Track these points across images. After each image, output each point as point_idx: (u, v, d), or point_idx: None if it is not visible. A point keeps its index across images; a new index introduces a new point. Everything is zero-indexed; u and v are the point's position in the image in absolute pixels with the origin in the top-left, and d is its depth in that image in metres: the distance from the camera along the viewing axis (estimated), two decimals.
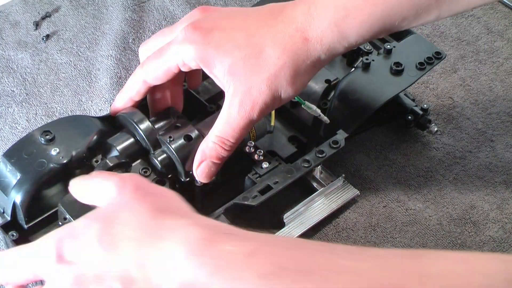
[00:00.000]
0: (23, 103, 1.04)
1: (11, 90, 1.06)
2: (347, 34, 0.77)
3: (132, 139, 0.85)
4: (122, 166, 0.82)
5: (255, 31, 0.77)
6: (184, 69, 0.80)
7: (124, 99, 0.85)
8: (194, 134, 0.85)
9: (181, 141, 0.84)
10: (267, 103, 0.77)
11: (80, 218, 0.63)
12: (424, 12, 0.76)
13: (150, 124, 0.84)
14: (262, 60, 0.76)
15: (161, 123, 0.86)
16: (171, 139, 0.84)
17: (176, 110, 0.88)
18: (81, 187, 0.69)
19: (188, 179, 0.85)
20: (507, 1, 1.21)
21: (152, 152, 0.84)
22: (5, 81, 1.07)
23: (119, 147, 0.84)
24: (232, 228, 0.57)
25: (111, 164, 0.81)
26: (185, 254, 0.54)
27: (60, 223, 0.77)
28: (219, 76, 0.78)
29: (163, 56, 0.80)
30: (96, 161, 0.83)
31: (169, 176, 0.83)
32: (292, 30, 0.77)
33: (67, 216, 0.77)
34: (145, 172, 0.85)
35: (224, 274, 0.52)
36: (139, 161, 0.85)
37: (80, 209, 0.73)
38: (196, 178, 0.83)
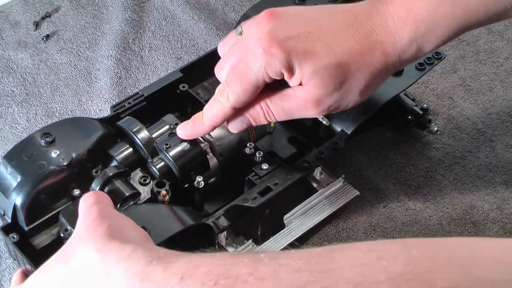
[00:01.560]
0: (23, 103, 1.05)
1: (11, 90, 1.06)
2: (424, 46, 0.78)
3: (130, 149, 0.85)
4: (122, 175, 0.82)
5: (332, 39, 0.76)
6: (269, 80, 0.78)
7: (208, 127, 0.83)
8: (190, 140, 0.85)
9: (178, 148, 0.84)
10: (323, 108, 0.78)
11: (49, 260, 0.66)
12: (501, 13, 0.78)
13: (147, 133, 0.85)
14: (341, 70, 0.76)
15: (158, 131, 0.86)
16: (168, 146, 0.84)
17: (173, 117, 0.89)
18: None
19: (187, 185, 0.85)
20: None
21: (150, 160, 0.84)
22: (5, 81, 1.07)
23: (118, 157, 0.84)
24: (165, 253, 0.61)
25: (111, 174, 0.81)
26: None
27: (62, 235, 0.78)
28: (298, 81, 0.77)
29: (247, 78, 0.77)
30: (96, 172, 0.83)
31: (169, 183, 0.83)
32: (371, 42, 0.76)
33: (68, 227, 0.77)
34: (144, 180, 0.85)
35: None
36: (138, 169, 0.86)
37: None
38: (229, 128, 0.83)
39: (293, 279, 0.52)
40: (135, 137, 0.84)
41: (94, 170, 0.83)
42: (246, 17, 1.02)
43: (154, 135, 0.86)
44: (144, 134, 0.85)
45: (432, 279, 0.49)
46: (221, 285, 0.54)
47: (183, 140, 0.85)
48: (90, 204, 0.68)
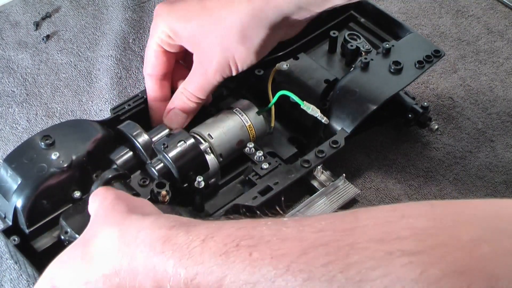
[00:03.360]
0: (24, 104, 1.05)
1: (11, 90, 1.06)
2: None
3: (130, 153, 0.86)
4: (121, 177, 0.82)
5: None
6: (168, 48, 0.88)
7: (151, 104, 0.92)
8: (189, 140, 0.85)
9: (176, 148, 0.84)
10: (222, 64, 0.84)
11: (67, 247, 0.66)
12: None
13: (147, 136, 0.85)
14: (214, 22, 0.83)
15: (158, 135, 0.86)
16: (165, 146, 0.84)
17: None
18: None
19: (186, 184, 0.85)
20: (507, 1, 1.21)
21: (149, 161, 0.85)
22: (6, 82, 1.07)
23: (119, 162, 0.85)
24: (187, 220, 0.61)
25: (110, 176, 0.81)
26: (150, 254, 0.58)
27: (62, 237, 0.78)
28: (187, 43, 0.86)
29: (148, 47, 0.89)
30: (97, 176, 0.83)
31: (168, 183, 0.83)
32: None
33: (68, 229, 0.77)
34: (144, 182, 0.85)
35: (187, 262, 0.55)
36: (138, 172, 0.86)
37: (81, 223, 0.74)
38: (166, 124, 0.89)
39: (316, 238, 0.52)
40: (135, 141, 0.84)
41: (94, 175, 0.83)
42: None
43: (154, 139, 0.86)
44: (144, 137, 0.85)
45: (457, 233, 0.49)
46: (243, 246, 0.54)
47: (181, 140, 0.85)
48: (104, 192, 0.68)
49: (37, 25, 1.15)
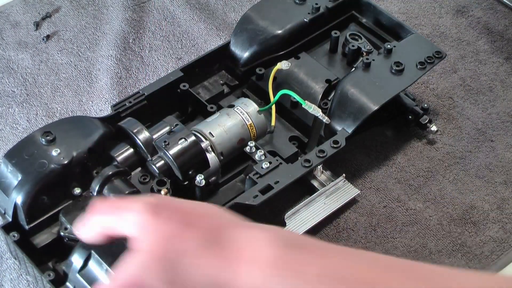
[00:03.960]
0: (24, 104, 1.05)
1: (11, 90, 1.06)
2: None
3: (131, 150, 0.86)
4: (121, 174, 0.82)
5: None
6: None
7: None
8: (189, 138, 0.85)
9: (177, 145, 0.84)
10: None
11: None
12: None
13: (148, 133, 0.85)
14: None
15: (159, 132, 0.86)
16: (166, 143, 0.84)
17: (174, 118, 0.89)
18: (95, 227, 0.60)
19: (186, 182, 0.85)
20: (507, 1, 1.21)
21: (150, 159, 0.84)
22: (6, 82, 1.07)
23: (119, 158, 0.84)
24: (301, 239, 0.57)
25: (110, 173, 0.81)
26: (262, 277, 0.53)
27: (62, 234, 0.78)
28: None
29: None
30: (97, 173, 0.83)
31: (169, 181, 0.83)
32: None
33: (68, 226, 0.77)
34: (144, 179, 0.85)
35: None
36: (139, 169, 0.86)
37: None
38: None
39: None
40: (136, 138, 0.84)
41: (94, 171, 0.83)
42: (246, 17, 1.02)
43: (155, 136, 0.86)
44: (144, 134, 0.85)
45: None
46: None
47: (182, 137, 0.85)
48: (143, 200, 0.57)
49: (37, 25, 1.15)
